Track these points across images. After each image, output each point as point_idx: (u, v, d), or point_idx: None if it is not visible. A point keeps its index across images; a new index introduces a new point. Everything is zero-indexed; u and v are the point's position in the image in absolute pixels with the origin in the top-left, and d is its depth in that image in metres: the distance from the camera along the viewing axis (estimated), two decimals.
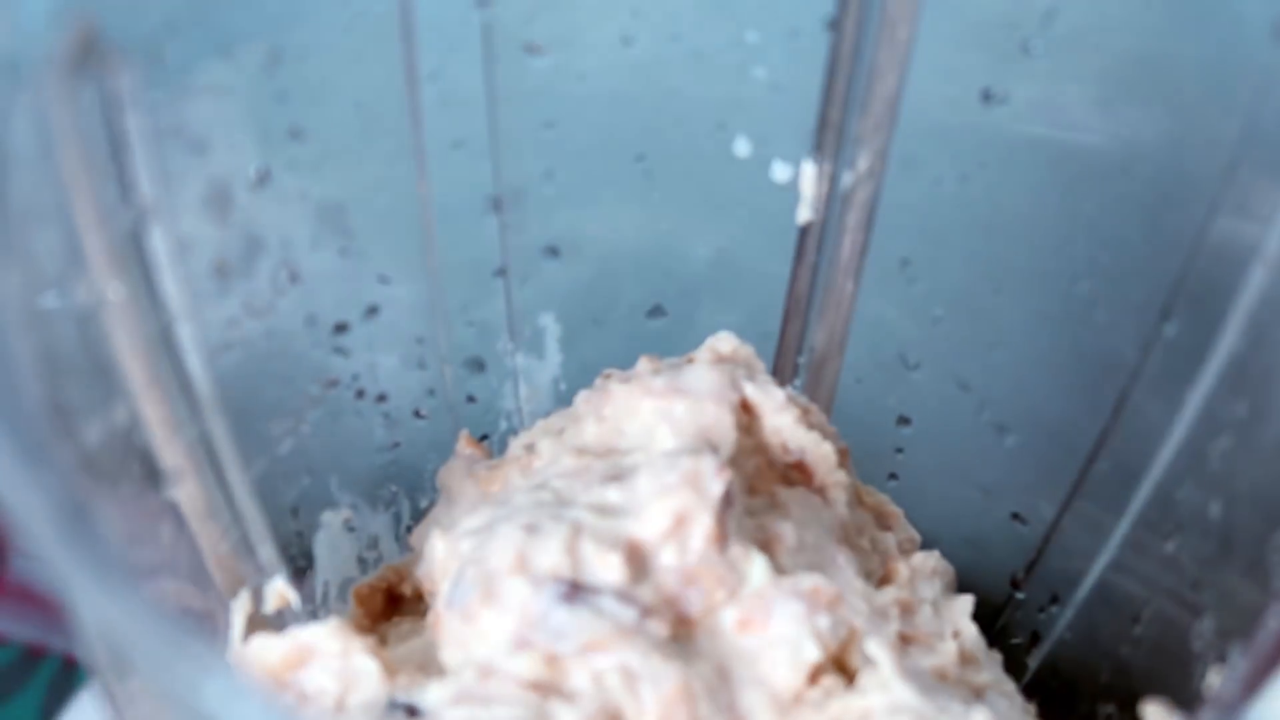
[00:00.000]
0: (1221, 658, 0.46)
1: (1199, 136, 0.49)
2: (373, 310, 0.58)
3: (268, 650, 0.47)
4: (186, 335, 0.47)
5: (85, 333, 0.42)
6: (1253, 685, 0.39)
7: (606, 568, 0.46)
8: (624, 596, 0.46)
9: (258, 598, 0.52)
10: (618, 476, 0.50)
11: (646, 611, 0.46)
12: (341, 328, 0.57)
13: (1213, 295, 0.49)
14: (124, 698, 0.41)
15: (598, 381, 0.55)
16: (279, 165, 0.52)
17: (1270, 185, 0.46)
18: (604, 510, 0.48)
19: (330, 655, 0.47)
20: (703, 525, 0.47)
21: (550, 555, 0.46)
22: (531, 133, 0.58)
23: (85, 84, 0.42)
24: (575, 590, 0.46)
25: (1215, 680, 0.44)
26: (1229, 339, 0.48)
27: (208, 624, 0.50)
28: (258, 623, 0.51)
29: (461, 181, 0.58)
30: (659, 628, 0.46)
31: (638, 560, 0.47)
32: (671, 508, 0.47)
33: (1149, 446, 0.53)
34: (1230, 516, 0.48)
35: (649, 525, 0.47)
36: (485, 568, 0.47)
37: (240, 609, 0.51)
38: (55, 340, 0.41)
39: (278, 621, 0.53)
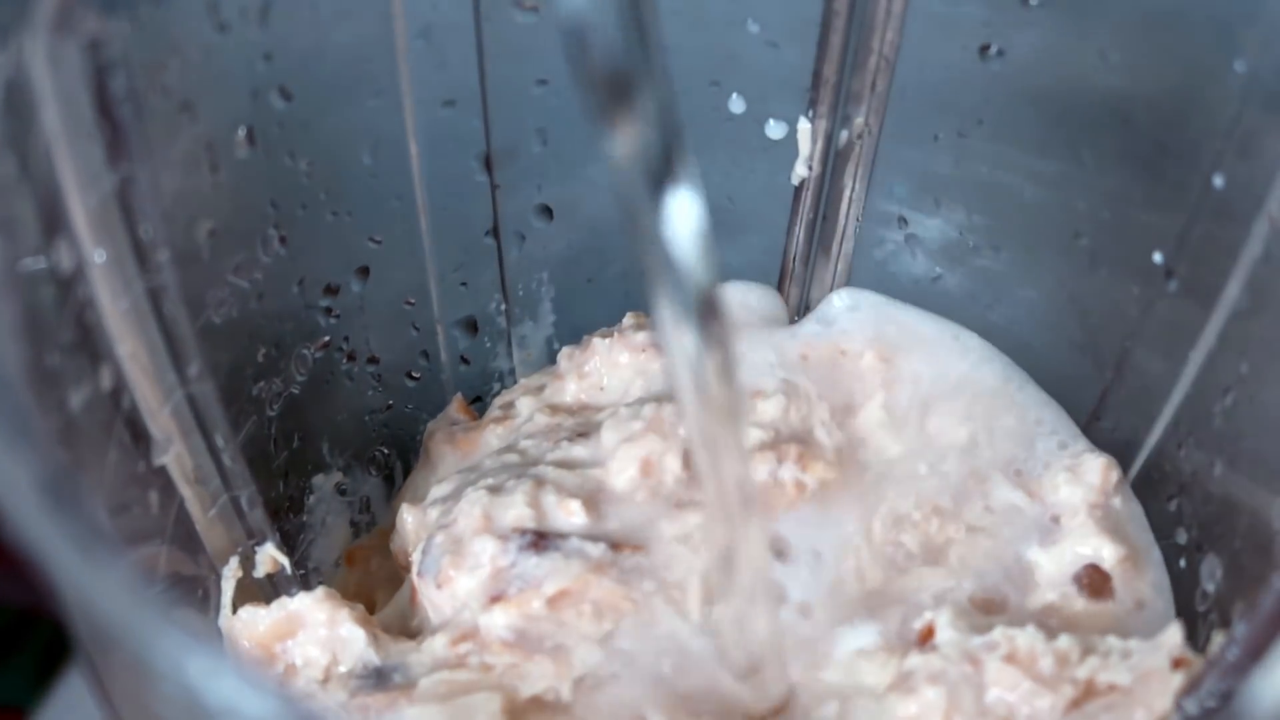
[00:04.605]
0: (1225, 622, 0.46)
1: (1201, 90, 0.48)
2: (363, 271, 0.57)
3: (256, 621, 0.47)
4: (173, 298, 0.47)
5: (69, 297, 0.42)
6: (1256, 651, 0.39)
7: (569, 514, 0.47)
8: (589, 536, 0.47)
9: (249, 563, 0.51)
10: (585, 433, 0.50)
11: (616, 545, 0.46)
12: (332, 289, 0.56)
13: (1215, 251, 0.48)
14: (108, 671, 0.41)
15: (584, 339, 0.55)
16: (267, 125, 0.51)
17: (1274, 140, 0.45)
18: (568, 464, 0.49)
19: (317, 625, 0.47)
20: (672, 468, 0.48)
21: (514, 510, 0.47)
22: (523, 91, 0.57)
23: (68, 44, 0.42)
24: (541, 538, 0.46)
25: (1218, 644, 0.44)
26: (1231, 296, 0.48)
27: (198, 590, 0.50)
28: (249, 588, 0.51)
29: (452, 141, 0.57)
30: (629, 557, 0.46)
31: (602, 505, 0.48)
32: (637, 455, 0.48)
33: (1150, 405, 0.52)
34: (1232, 478, 0.48)
35: (618, 476, 0.48)
36: (453, 532, 0.48)
37: (231, 574, 0.50)
38: (37, 305, 0.40)
39: (270, 586, 0.52)
